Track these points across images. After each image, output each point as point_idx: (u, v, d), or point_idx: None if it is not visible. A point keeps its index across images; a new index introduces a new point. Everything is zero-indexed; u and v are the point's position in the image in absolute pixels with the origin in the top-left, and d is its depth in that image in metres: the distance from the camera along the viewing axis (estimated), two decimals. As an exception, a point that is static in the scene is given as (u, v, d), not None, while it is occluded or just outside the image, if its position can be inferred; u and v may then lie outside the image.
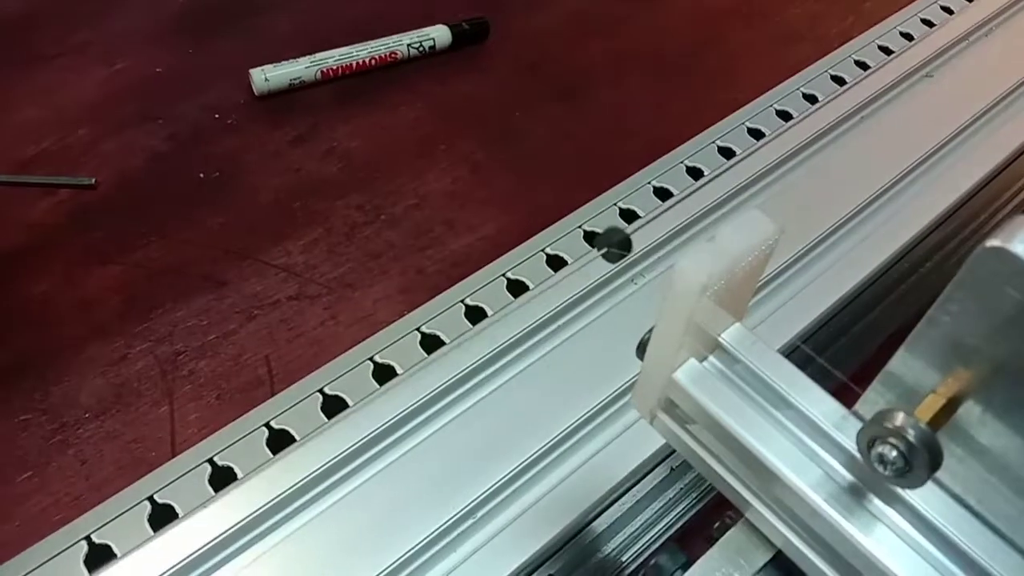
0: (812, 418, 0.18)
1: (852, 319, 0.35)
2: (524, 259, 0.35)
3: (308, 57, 0.43)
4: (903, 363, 0.17)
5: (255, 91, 0.43)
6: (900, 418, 0.15)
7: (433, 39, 0.46)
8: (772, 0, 0.52)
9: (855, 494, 0.18)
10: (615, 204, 0.37)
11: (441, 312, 0.33)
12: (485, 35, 0.47)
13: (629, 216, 0.37)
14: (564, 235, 0.36)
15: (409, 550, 0.26)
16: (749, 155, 0.39)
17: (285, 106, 0.43)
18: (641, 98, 0.45)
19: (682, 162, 0.39)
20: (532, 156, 0.42)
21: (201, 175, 0.40)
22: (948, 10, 0.48)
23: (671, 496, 0.28)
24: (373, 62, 0.44)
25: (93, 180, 0.39)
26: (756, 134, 0.41)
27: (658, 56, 0.48)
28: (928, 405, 0.16)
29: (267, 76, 0.43)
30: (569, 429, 0.29)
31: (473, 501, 0.27)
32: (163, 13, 0.48)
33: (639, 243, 0.35)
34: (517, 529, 0.27)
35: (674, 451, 0.29)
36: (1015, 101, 0.43)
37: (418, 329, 0.32)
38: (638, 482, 0.29)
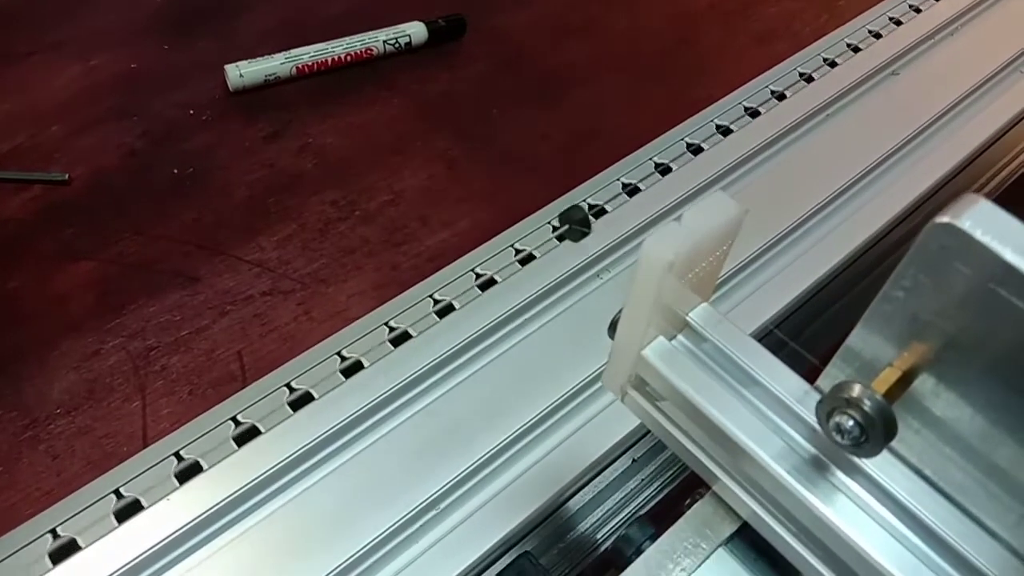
0: (776, 393, 0.19)
1: (816, 310, 0.36)
2: (493, 254, 0.35)
3: (283, 53, 0.44)
4: (861, 338, 0.18)
5: (230, 87, 0.43)
6: (856, 389, 0.16)
7: (409, 35, 0.46)
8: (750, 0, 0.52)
9: (817, 466, 0.18)
10: (584, 200, 0.38)
11: (410, 307, 0.33)
12: (462, 32, 0.47)
13: (597, 212, 0.37)
14: (533, 231, 0.36)
15: (372, 539, 0.26)
16: (716, 150, 0.40)
17: (260, 102, 0.43)
18: (617, 96, 0.46)
19: (651, 159, 0.40)
20: (507, 153, 0.42)
21: (175, 171, 0.40)
22: (917, 9, 0.49)
23: (632, 487, 0.29)
24: (349, 58, 0.45)
25: (67, 176, 0.39)
26: (725, 131, 0.41)
27: (635, 54, 0.48)
28: (884, 378, 0.17)
29: (242, 72, 0.43)
30: (530, 423, 0.29)
31: (436, 492, 0.27)
32: (139, 10, 0.48)
33: (605, 238, 0.35)
34: (478, 520, 0.27)
35: (636, 442, 0.30)
36: (978, 99, 0.43)
37: (386, 324, 0.33)
38: (600, 472, 0.29)
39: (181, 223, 0.38)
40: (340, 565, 0.26)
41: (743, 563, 0.21)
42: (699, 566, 0.21)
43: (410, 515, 0.27)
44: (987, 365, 0.16)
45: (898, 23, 0.48)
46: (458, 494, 0.28)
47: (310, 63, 0.44)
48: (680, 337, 0.20)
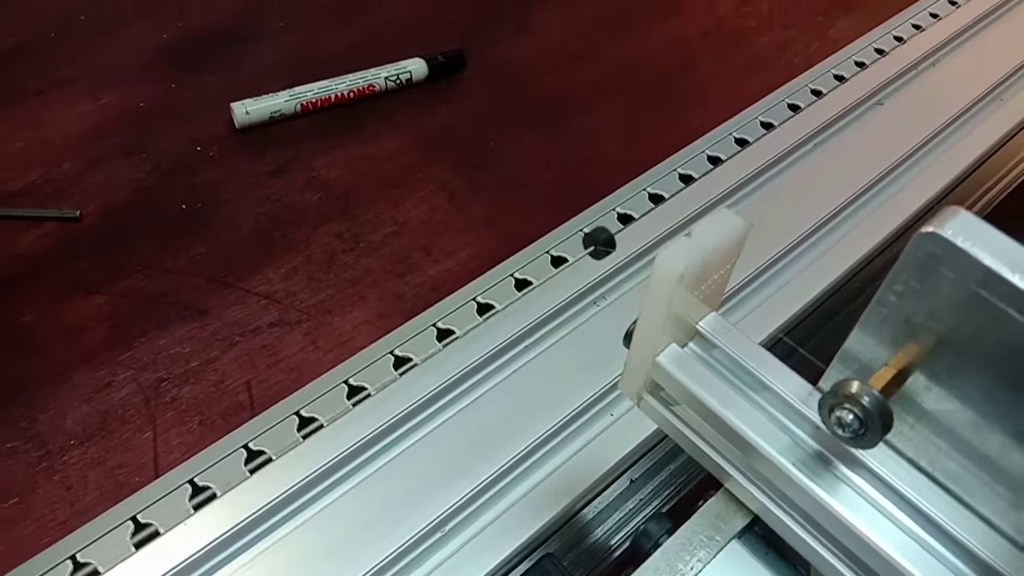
0: (781, 394, 0.20)
1: (808, 331, 0.37)
2: (494, 283, 0.36)
3: (288, 91, 0.45)
4: (858, 341, 0.19)
5: (236, 124, 0.44)
6: (856, 386, 0.17)
7: (410, 71, 0.47)
8: (744, 29, 0.54)
9: (821, 460, 0.20)
10: (580, 230, 0.39)
11: (414, 335, 0.34)
12: (461, 67, 0.49)
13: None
14: (532, 260, 0.37)
15: (384, 558, 0.27)
16: (707, 180, 0.41)
17: (265, 138, 0.44)
18: (614, 126, 0.47)
19: (644, 189, 0.41)
20: (508, 183, 0.43)
21: (184, 206, 0.41)
22: (900, 39, 0.50)
23: (631, 507, 0.30)
24: (352, 95, 0.46)
25: (78, 212, 0.40)
26: (715, 161, 0.43)
27: (632, 84, 0.49)
28: (880, 376, 0.18)
29: (248, 109, 0.44)
30: (531, 446, 0.30)
31: (440, 516, 0.28)
32: (147, 49, 0.49)
33: (602, 266, 0.36)
34: (478, 544, 0.28)
35: (634, 463, 0.30)
36: (961, 126, 0.45)
37: (391, 352, 0.34)
38: (600, 493, 0.30)
39: (190, 257, 0.39)
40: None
41: (754, 554, 0.23)
42: (714, 557, 0.22)
43: (418, 536, 0.28)
44: (974, 361, 0.17)
45: (883, 53, 0.49)
46: (461, 517, 0.29)
47: (314, 100, 0.45)
48: (691, 345, 0.22)
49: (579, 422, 0.31)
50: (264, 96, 0.45)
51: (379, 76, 0.47)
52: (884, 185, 0.41)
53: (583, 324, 0.35)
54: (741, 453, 0.21)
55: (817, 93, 0.46)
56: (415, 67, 0.47)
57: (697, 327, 0.21)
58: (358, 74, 0.46)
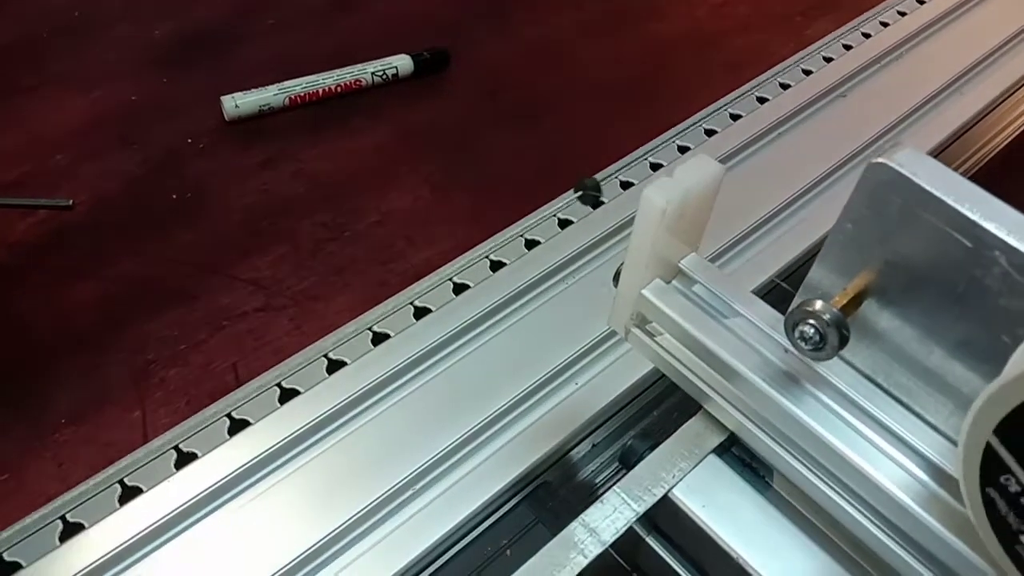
0: (754, 321, 0.23)
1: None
2: (469, 264, 0.38)
3: (277, 85, 0.46)
4: (818, 272, 0.21)
5: (226, 117, 0.45)
6: (817, 304, 0.20)
7: (396, 67, 0.49)
8: (722, 31, 0.55)
9: (789, 377, 0.22)
10: (555, 215, 0.40)
11: (392, 313, 0.36)
12: (445, 64, 0.50)
13: (564, 224, 0.40)
14: (505, 243, 0.39)
15: (360, 510, 0.29)
16: (674, 166, 0.43)
17: (254, 131, 0.46)
18: (593, 122, 0.48)
19: (616, 176, 0.42)
20: (488, 176, 0.45)
21: (174, 196, 0.42)
22: (867, 35, 0.52)
23: (593, 468, 0.31)
24: (339, 89, 0.47)
25: (71, 201, 0.41)
26: (683, 150, 0.44)
27: (611, 84, 0.51)
28: (838, 300, 0.21)
29: (237, 102, 0.45)
30: (498, 411, 0.32)
31: (410, 474, 0.30)
32: (139, 45, 0.50)
33: (570, 246, 0.38)
34: (443, 502, 0.30)
35: (596, 429, 0.32)
36: (921, 117, 0.46)
37: (369, 328, 0.35)
38: (565, 455, 0.32)
39: (180, 245, 0.40)
40: (328, 535, 0.28)
41: (731, 467, 0.25)
42: (693, 468, 0.25)
43: (390, 492, 0.29)
44: (919, 279, 0.19)
45: (849, 49, 0.51)
46: (430, 478, 0.30)
47: (302, 94, 0.47)
48: (674, 282, 0.24)
49: (546, 390, 0.33)
50: (253, 90, 0.46)
51: (366, 71, 0.48)
52: (845, 172, 0.43)
53: (552, 300, 0.36)
54: (718, 375, 0.23)
55: (784, 86, 0.48)
56: (401, 63, 0.49)
57: (679, 265, 0.23)
58: (345, 69, 0.48)
